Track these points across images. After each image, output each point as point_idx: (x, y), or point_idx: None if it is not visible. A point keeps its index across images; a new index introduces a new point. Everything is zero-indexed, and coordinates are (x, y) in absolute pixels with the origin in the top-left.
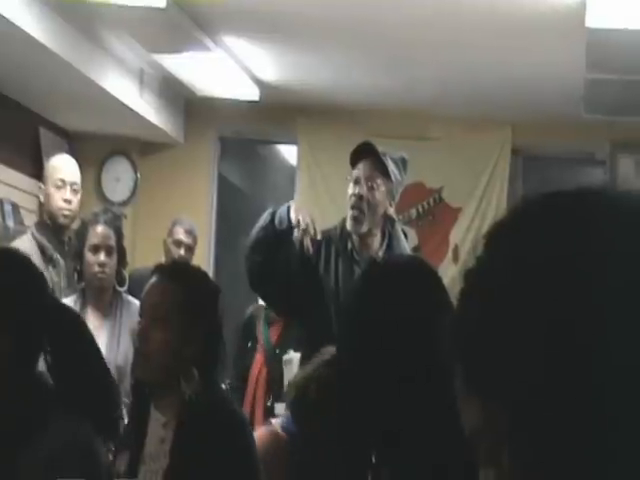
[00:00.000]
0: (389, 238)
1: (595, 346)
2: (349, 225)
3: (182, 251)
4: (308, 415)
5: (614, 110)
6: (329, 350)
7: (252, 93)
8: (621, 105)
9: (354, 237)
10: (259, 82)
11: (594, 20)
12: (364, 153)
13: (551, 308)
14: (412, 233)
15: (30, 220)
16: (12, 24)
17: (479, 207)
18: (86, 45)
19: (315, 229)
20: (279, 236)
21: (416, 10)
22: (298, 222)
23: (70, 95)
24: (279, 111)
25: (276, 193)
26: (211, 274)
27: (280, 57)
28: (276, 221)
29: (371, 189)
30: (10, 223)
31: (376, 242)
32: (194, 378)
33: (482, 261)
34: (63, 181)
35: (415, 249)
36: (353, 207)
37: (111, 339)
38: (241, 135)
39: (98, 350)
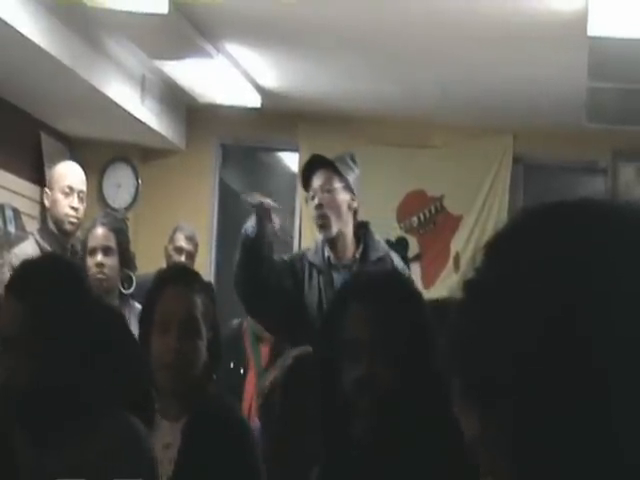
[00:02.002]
0: (364, 239)
1: (597, 361)
2: (319, 235)
3: (183, 257)
4: (274, 419)
5: (616, 119)
6: (292, 353)
7: (253, 100)
8: (623, 114)
9: (327, 247)
10: (260, 89)
11: (596, 29)
12: (312, 169)
13: (551, 320)
14: (413, 241)
15: (31, 226)
16: (14, 29)
17: (480, 215)
18: (88, 51)
19: (271, 203)
20: (255, 244)
21: (417, 18)
22: (258, 203)
23: (72, 101)
24: (280, 118)
25: (277, 199)
26: (212, 280)
27: (281, 64)
28: (248, 232)
29: (329, 193)
30: (11, 228)
31: (350, 245)
32: (199, 384)
33: (481, 272)
34: (71, 188)
35: (416, 257)
36: (317, 217)
37: None
38: (242, 142)
39: (139, 349)
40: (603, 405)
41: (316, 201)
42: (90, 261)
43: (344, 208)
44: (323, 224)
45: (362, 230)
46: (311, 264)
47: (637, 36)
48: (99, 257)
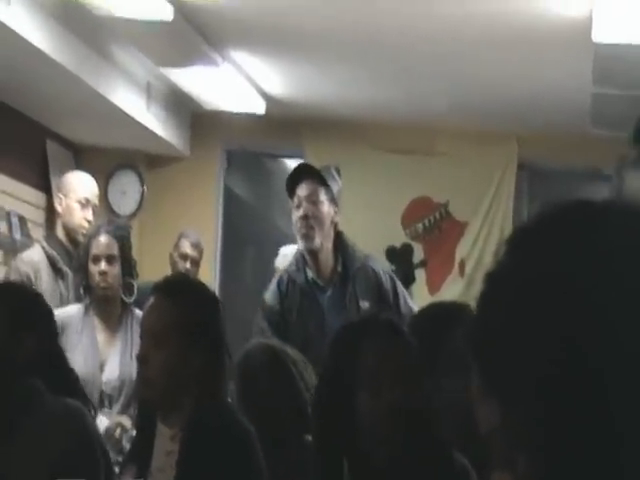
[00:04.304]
0: (341, 251)
1: (613, 355)
2: (301, 245)
3: (188, 264)
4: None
5: (621, 125)
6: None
7: (258, 106)
8: (628, 120)
9: (308, 261)
10: (265, 95)
11: (601, 35)
12: (298, 178)
13: (570, 315)
14: (418, 247)
15: (36, 232)
16: (19, 37)
17: (485, 221)
18: (93, 58)
19: None
20: None
21: (422, 24)
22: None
23: (77, 108)
24: (285, 124)
25: (282, 206)
26: (217, 287)
27: (286, 71)
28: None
29: (314, 204)
30: (17, 235)
31: (330, 259)
32: (198, 392)
33: (503, 265)
34: (88, 200)
35: (421, 263)
36: (301, 227)
37: (124, 354)
38: (247, 148)
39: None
40: (623, 405)
41: (301, 212)
42: (93, 269)
43: (328, 221)
44: (307, 235)
45: (339, 241)
46: (295, 284)
47: None
48: (102, 265)
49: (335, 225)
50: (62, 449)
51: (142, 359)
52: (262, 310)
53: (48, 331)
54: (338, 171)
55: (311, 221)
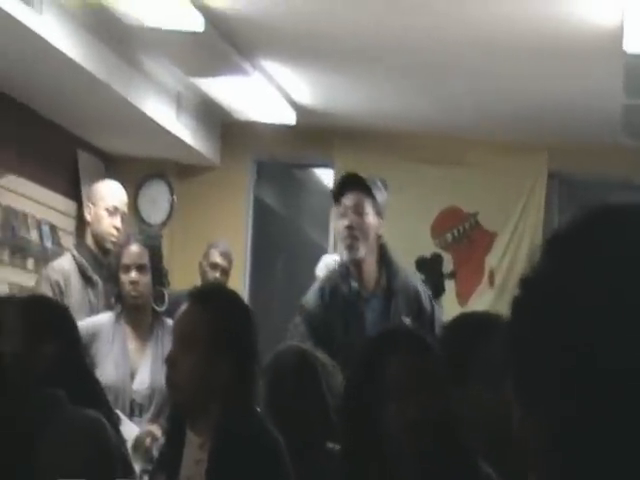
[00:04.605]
0: (386, 266)
1: None
2: (345, 255)
3: (218, 274)
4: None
5: None
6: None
7: (289, 116)
8: None
9: (352, 271)
10: (295, 105)
11: (632, 45)
12: (345, 186)
13: (601, 322)
14: (448, 257)
15: (67, 241)
16: (52, 46)
17: (515, 232)
18: (124, 68)
19: None
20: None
21: (452, 35)
22: None
23: (108, 117)
24: (315, 134)
25: (312, 216)
26: (246, 297)
27: (317, 81)
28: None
29: (360, 215)
30: (48, 244)
31: (373, 270)
32: (227, 400)
33: (538, 270)
34: (116, 208)
35: (451, 273)
36: (346, 237)
37: (154, 363)
38: (277, 158)
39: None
40: None
41: (346, 221)
42: (124, 278)
43: (372, 233)
44: (352, 245)
45: (383, 254)
46: (337, 293)
47: None
48: (133, 274)
49: (379, 238)
50: (80, 460)
51: (170, 362)
52: (301, 314)
53: (68, 340)
54: (385, 183)
55: (356, 232)
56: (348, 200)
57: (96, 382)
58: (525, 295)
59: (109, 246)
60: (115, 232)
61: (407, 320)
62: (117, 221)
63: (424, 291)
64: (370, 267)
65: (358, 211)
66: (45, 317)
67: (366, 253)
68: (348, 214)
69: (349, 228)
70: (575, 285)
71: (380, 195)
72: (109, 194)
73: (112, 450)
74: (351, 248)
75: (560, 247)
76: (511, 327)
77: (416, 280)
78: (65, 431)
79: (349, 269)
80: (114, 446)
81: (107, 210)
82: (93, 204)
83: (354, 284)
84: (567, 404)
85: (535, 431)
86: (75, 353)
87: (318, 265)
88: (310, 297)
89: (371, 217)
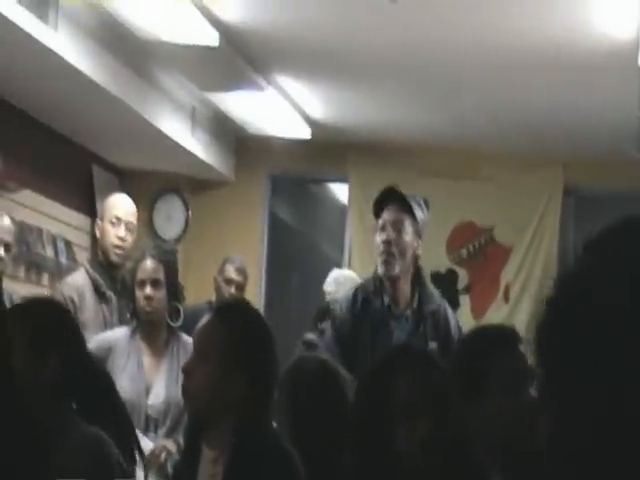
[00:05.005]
0: (419, 288)
1: None
2: (380, 270)
3: (233, 289)
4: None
5: None
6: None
7: (303, 131)
8: None
9: (386, 286)
10: (309, 120)
11: None
12: (387, 200)
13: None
14: (463, 272)
15: (82, 256)
16: (66, 63)
17: (530, 247)
18: (139, 83)
19: None
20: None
21: (467, 48)
22: None
23: (123, 133)
24: (330, 149)
25: (327, 231)
26: (262, 311)
27: (331, 95)
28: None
29: (399, 232)
30: (63, 259)
31: (407, 289)
32: (242, 414)
33: (573, 273)
34: (118, 219)
35: (466, 288)
36: (382, 252)
37: (169, 378)
38: (292, 173)
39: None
40: None
41: (384, 236)
42: (139, 293)
43: (410, 252)
44: (388, 260)
45: (418, 276)
46: (369, 305)
47: None
48: (148, 290)
49: (417, 258)
50: (78, 476)
51: (186, 371)
52: (332, 318)
53: (76, 351)
54: (427, 203)
55: (393, 248)
56: (389, 215)
57: (107, 391)
58: (559, 296)
59: (114, 258)
60: (118, 242)
61: (433, 345)
62: (120, 231)
63: (453, 317)
64: (404, 286)
65: (397, 227)
66: (48, 321)
67: (401, 271)
68: (387, 229)
69: (386, 243)
70: (608, 286)
71: (420, 214)
72: (112, 206)
73: (114, 469)
74: (387, 264)
75: (594, 251)
76: (543, 328)
77: (446, 305)
78: (68, 448)
79: (383, 284)
80: (116, 463)
81: (110, 222)
82: (100, 219)
83: (386, 299)
84: (600, 403)
85: (565, 431)
86: (81, 362)
87: (326, 281)
88: (342, 302)
89: (409, 235)
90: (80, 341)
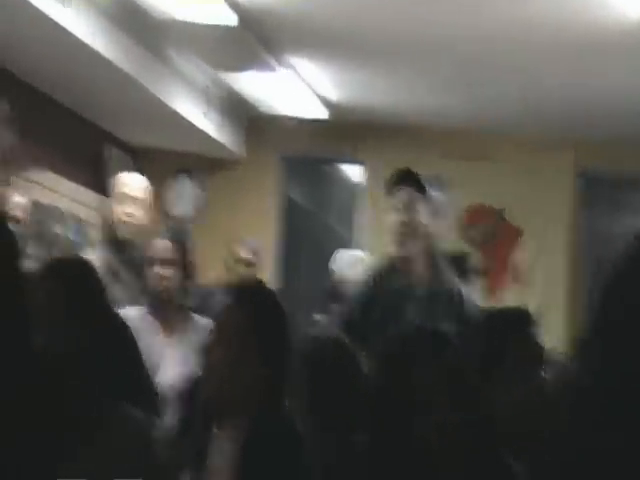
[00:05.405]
0: (434, 266)
1: None
2: (393, 250)
3: (245, 269)
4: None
5: None
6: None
7: (317, 112)
8: None
9: (400, 267)
10: (324, 101)
11: None
12: (401, 181)
13: None
14: (474, 254)
15: (94, 234)
16: (79, 41)
17: (542, 228)
18: (152, 62)
19: None
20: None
21: (483, 31)
22: None
23: (136, 112)
24: (344, 130)
25: (339, 211)
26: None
27: (346, 76)
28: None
29: (412, 213)
30: (76, 237)
31: (421, 269)
32: (257, 397)
33: (629, 261)
34: (124, 194)
35: (477, 270)
36: (395, 233)
37: (180, 357)
38: (304, 154)
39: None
40: None
41: (397, 217)
42: (149, 272)
43: (422, 232)
44: (399, 242)
45: (432, 255)
46: (384, 284)
47: None
48: (158, 268)
49: (431, 238)
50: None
51: (205, 352)
52: (344, 300)
53: (107, 328)
54: (445, 184)
55: (405, 228)
56: (401, 195)
57: (139, 369)
58: (616, 282)
59: (122, 234)
60: (125, 217)
61: (448, 326)
62: (126, 207)
63: (469, 299)
64: (418, 266)
65: (410, 208)
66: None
67: (415, 252)
68: (400, 210)
69: (399, 224)
70: None
71: (436, 195)
72: (119, 184)
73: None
74: (399, 244)
75: None
76: (601, 313)
77: (462, 287)
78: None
79: (397, 265)
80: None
81: (117, 200)
82: (110, 197)
83: (401, 280)
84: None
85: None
86: (113, 339)
87: (334, 260)
88: (355, 283)
89: (423, 216)
90: (113, 318)
